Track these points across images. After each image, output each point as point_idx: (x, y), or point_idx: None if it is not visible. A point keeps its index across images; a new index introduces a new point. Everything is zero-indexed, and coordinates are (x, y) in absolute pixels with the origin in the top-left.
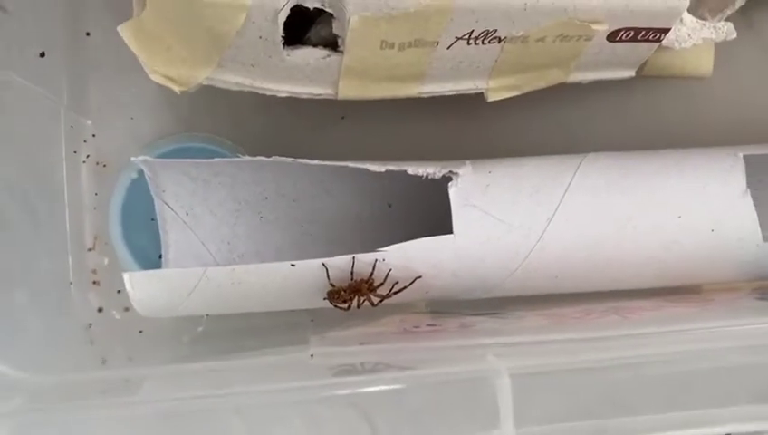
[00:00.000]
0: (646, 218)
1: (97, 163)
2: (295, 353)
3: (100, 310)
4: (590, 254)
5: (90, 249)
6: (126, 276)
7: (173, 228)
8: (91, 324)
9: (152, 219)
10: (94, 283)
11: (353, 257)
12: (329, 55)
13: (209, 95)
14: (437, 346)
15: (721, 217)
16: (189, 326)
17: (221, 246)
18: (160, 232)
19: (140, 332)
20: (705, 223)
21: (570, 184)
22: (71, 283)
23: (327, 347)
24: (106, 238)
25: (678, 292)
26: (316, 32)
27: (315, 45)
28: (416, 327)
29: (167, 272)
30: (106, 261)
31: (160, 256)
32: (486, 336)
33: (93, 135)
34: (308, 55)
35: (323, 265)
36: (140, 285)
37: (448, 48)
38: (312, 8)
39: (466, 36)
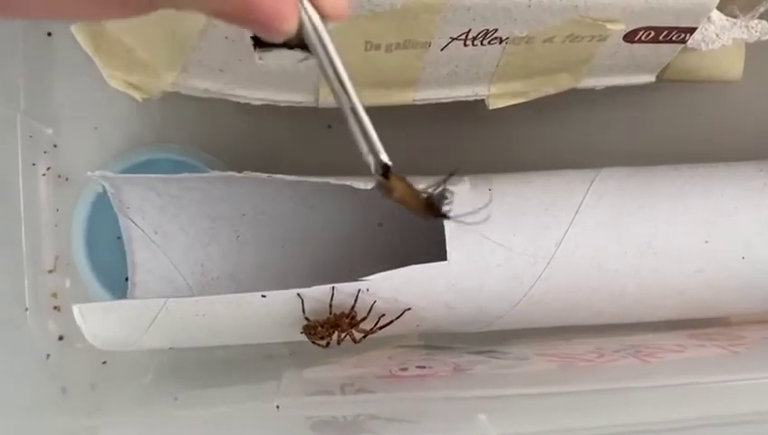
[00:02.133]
0: (667, 243)
1: (59, 176)
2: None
3: (60, 338)
4: (603, 283)
5: (50, 271)
6: (75, 309)
7: (140, 248)
8: (49, 355)
9: (119, 238)
10: (54, 308)
11: (333, 288)
12: (306, 58)
13: (183, 102)
14: (425, 397)
15: (753, 241)
16: (156, 356)
17: (194, 267)
18: (126, 252)
19: (104, 362)
20: (735, 249)
21: (581, 204)
22: (26, 309)
23: (298, 397)
24: (68, 259)
25: (703, 324)
26: None
27: (291, 47)
28: (403, 369)
29: (122, 304)
30: (68, 283)
31: (127, 279)
32: (481, 386)
33: (55, 145)
34: (282, 58)
35: (299, 295)
36: (93, 319)
37: (442, 50)
38: None
39: (463, 36)
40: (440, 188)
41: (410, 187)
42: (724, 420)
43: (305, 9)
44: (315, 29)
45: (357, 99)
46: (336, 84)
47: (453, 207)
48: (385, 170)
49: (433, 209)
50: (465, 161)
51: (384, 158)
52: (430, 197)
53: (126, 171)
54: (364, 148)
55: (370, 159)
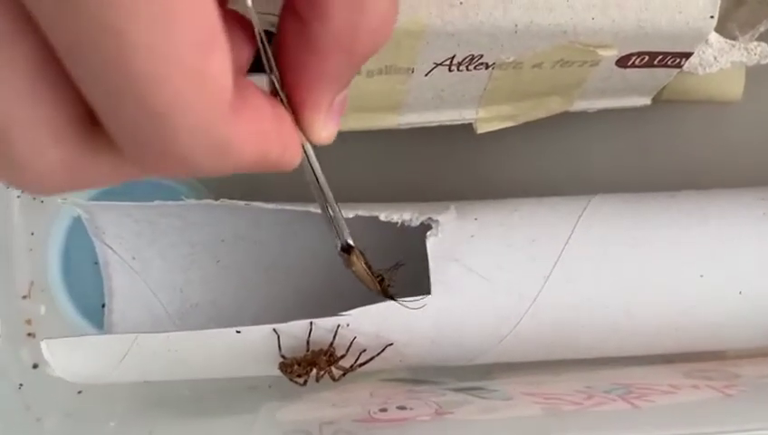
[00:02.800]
0: (660, 277)
1: (33, 199)
2: None
3: (34, 366)
4: (593, 320)
5: (24, 297)
6: (43, 345)
7: (117, 274)
8: (22, 384)
9: (96, 263)
10: (29, 335)
11: (311, 323)
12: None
13: None
14: None
15: (751, 276)
16: (134, 386)
17: (173, 294)
18: (103, 278)
19: (80, 392)
20: (733, 284)
21: (571, 235)
22: None
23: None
24: (43, 284)
25: (698, 358)
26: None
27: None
28: (383, 411)
29: (91, 339)
30: (43, 310)
31: (104, 305)
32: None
33: None
34: (264, 83)
35: (275, 331)
36: (62, 354)
37: (426, 75)
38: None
39: (447, 62)
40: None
41: (367, 265)
42: None
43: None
44: (306, 152)
45: (331, 196)
46: (315, 187)
47: (438, 238)
48: (347, 250)
49: (381, 288)
50: (454, 182)
51: (349, 241)
52: (381, 277)
53: (102, 195)
54: (333, 231)
55: (337, 241)
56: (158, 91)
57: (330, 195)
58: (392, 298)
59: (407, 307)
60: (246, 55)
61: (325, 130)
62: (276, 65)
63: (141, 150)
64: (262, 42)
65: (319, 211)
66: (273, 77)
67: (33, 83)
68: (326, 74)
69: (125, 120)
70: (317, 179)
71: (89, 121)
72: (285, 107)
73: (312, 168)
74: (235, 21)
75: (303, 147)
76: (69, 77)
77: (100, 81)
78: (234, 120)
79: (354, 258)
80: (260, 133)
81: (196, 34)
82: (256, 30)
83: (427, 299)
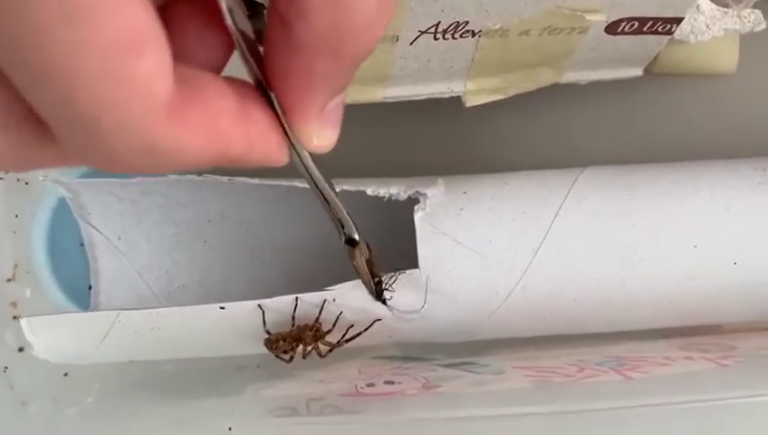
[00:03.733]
0: (654, 249)
1: (18, 180)
2: (218, 421)
3: (20, 350)
4: (584, 292)
5: (9, 280)
6: (24, 322)
7: (103, 255)
8: (7, 368)
9: (82, 244)
10: (14, 318)
11: (296, 298)
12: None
13: None
14: (388, 420)
15: (746, 246)
16: (121, 367)
17: (159, 274)
18: (89, 259)
19: (66, 374)
20: (727, 254)
21: (561, 206)
22: None
23: (256, 417)
24: (28, 266)
25: (693, 332)
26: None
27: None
28: (370, 385)
29: (71, 317)
30: (28, 292)
31: (90, 287)
32: (449, 406)
33: None
34: None
35: (259, 307)
36: (43, 333)
37: (411, 44)
38: None
39: (432, 29)
40: (392, 279)
41: (370, 263)
42: None
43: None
44: (299, 156)
45: (332, 194)
46: (313, 185)
47: (426, 212)
48: (352, 243)
49: (377, 290)
50: (444, 159)
51: (354, 236)
52: (380, 280)
53: (87, 175)
54: (337, 226)
55: (342, 236)
56: (82, 90)
57: (331, 193)
58: (384, 303)
59: (399, 316)
60: (222, 55)
61: (318, 137)
62: (263, 70)
63: (78, 148)
64: (239, 43)
65: (305, 186)
66: (256, 78)
67: None
68: (313, 78)
69: (57, 119)
70: (315, 183)
71: (31, 116)
72: (276, 112)
73: (307, 171)
74: (214, 20)
75: (296, 150)
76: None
77: (26, 73)
78: (171, 122)
79: (357, 253)
80: (211, 130)
81: (118, 36)
82: (230, 29)
83: (420, 311)
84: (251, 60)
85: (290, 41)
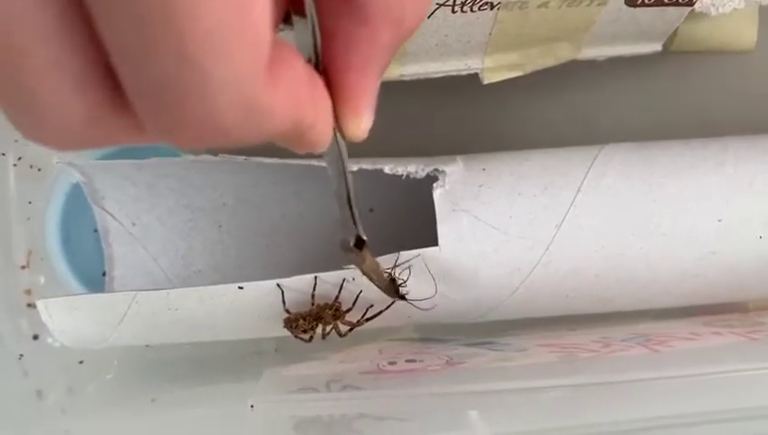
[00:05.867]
0: (677, 224)
1: (30, 167)
2: (239, 402)
3: (35, 337)
4: (608, 268)
5: (23, 267)
6: (40, 304)
7: (117, 241)
8: (22, 355)
9: (96, 231)
10: (28, 305)
11: (315, 277)
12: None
13: None
14: (413, 394)
15: None
16: (136, 353)
17: (174, 260)
18: (103, 245)
19: (81, 362)
20: (752, 228)
21: (583, 183)
22: None
23: (277, 395)
24: (42, 253)
25: (719, 310)
26: None
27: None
28: (392, 363)
29: (89, 298)
30: (42, 280)
31: (105, 274)
32: (472, 381)
33: None
34: None
35: (278, 286)
36: (60, 315)
37: (429, 17)
38: None
39: (450, 2)
40: (401, 272)
41: (376, 263)
42: (742, 413)
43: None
44: (339, 141)
45: (353, 188)
46: (339, 177)
47: (445, 190)
48: (359, 244)
49: (393, 287)
50: (461, 138)
51: (362, 234)
52: (391, 276)
53: (100, 158)
54: (347, 222)
55: (349, 234)
56: (195, 15)
57: (352, 187)
58: (403, 298)
59: (417, 307)
60: (279, 13)
61: (366, 120)
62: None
63: (164, 110)
64: (310, 11)
65: (322, 165)
66: (316, 47)
67: (59, 23)
68: (376, 51)
69: (151, 67)
70: (344, 172)
71: (111, 79)
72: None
73: (340, 158)
74: None
75: (339, 134)
76: (93, 26)
77: (134, 24)
78: (270, 78)
79: (367, 253)
80: (295, 96)
81: None
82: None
83: (435, 299)
84: (318, 33)
85: (356, 12)
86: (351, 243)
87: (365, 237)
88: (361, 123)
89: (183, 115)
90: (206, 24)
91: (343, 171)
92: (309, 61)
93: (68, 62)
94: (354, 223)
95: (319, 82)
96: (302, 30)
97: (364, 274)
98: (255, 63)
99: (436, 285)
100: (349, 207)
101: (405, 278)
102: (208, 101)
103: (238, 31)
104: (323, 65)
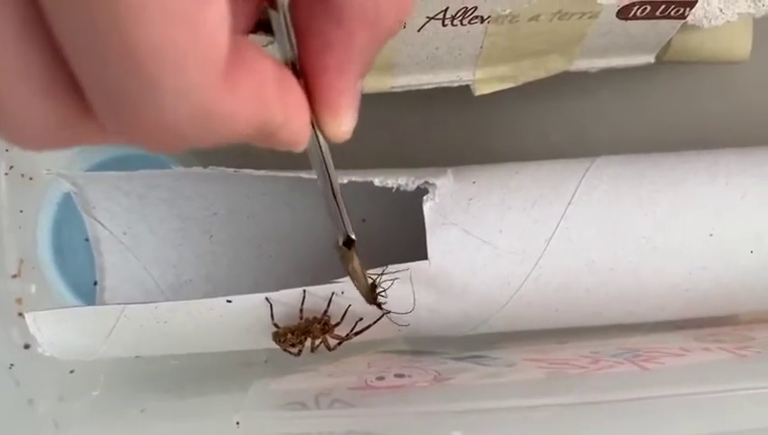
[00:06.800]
0: (668, 238)
1: (22, 175)
2: (225, 416)
3: (26, 347)
4: (598, 283)
5: (14, 276)
6: (29, 317)
7: (109, 250)
8: (12, 365)
9: (87, 240)
10: (19, 315)
11: (304, 291)
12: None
13: None
14: (398, 412)
15: (762, 234)
16: (127, 364)
17: (166, 270)
18: (94, 254)
19: (72, 371)
20: (743, 242)
21: (573, 196)
22: None
23: (264, 410)
24: (34, 262)
25: (709, 323)
26: None
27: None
28: (380, 379)
29: (76, 312)
30: (33, 289)
31: (96, 283)
32: (461, 398)
33: None
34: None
35: (267, 300)
36: (48, 327)
37: (419, 30)
38: None
39: (440, 15)
40: (384, 281)
41: (362, 266)
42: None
43: (318, 132)
44: (319, 140)
45: (338, 186)
46: (323, 176)
47: (435, 202)
48: (349, 243)
49: (372, 294)
50: (452, 149)
51: (351, 235)
52: (374, 283)
53: (92, 169)
54: (337, 223)
55: (339, 234)
56: (143, 33)
57: (337, 185)
58: (380, 306)
59: (395, 323)
60: (249, 12)
61: (345, 122)
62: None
63: (120, 116)
64: (283, 13)
65: (311, 177)
66: (291, 52)
67: (20, 31)
68: (352, 52)
69: (105, 76)
70: (327, 173)
71: (76, 83)
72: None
73: (323, 158)
74: None
75: (319, 133)
76: (52, 32)
77: (81, 17)
78: (227, 83)
79: (354, 254)
80: (259, 98)
81: None
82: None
83: (420, 312)
84: (292, 34)
85: (331, 13)
86: (341, 241)
87: (353, 236)
88: (341, 125)
89: (138, 121)
90: (155, 41)
91: (326, 169)
92: (287, 63)
93: (33, 69)
94: (342, 221)
95: (290, 81)
96: (279, 30)
97: (348, 274)
98: (209, 73)
99: (414, 299)
100: (336, 206)
101: (385, 288)
102: (161, 109)
103: (189, 45)
104: (300, 66)
